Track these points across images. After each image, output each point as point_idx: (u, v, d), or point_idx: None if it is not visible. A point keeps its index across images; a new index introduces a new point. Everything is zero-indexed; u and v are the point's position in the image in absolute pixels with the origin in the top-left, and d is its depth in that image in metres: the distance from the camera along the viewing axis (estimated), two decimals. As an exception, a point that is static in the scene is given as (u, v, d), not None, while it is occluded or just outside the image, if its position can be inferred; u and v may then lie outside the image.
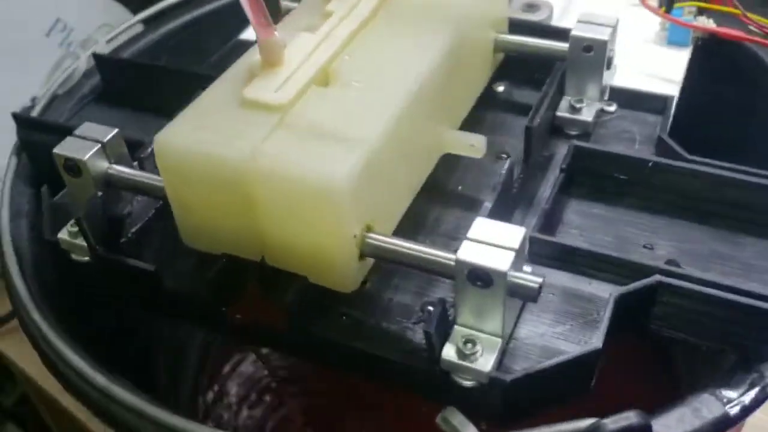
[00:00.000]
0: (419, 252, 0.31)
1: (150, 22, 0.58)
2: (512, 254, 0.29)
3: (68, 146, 0.36)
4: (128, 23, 0.57)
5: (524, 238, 0.30)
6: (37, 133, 0.46)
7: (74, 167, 0.36)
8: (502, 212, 0.36)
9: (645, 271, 0.33)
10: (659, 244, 0.38)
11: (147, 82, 0.49)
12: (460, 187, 0.40)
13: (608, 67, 0.41)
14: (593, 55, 0.40)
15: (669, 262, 0.37)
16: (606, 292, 0.33)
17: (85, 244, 0.37)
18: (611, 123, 0.43)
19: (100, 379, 0.33)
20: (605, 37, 0.40)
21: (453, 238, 0.37)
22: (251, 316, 0.35)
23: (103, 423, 0.34)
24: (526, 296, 0.30)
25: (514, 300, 0.31)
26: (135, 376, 0.34)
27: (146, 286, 0.36)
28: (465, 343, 0.30)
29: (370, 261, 0.33)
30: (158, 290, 0.36)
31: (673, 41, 0.48)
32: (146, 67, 0.50)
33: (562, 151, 0.41)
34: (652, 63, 0.47)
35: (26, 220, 0.43)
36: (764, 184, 0.37)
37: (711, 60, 0.48)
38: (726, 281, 0.33)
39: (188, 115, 0.33)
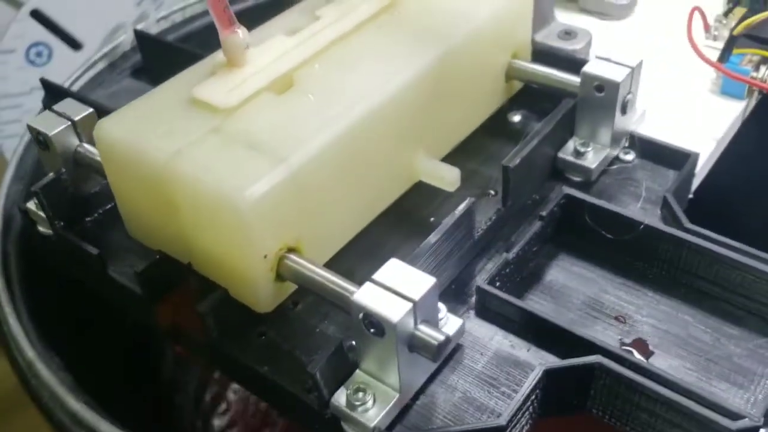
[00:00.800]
0: (328, 282, 0.29)
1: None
2: (409, 306, 0.26)
3: (42, 120, 0.37)
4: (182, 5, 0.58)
5: (430, 290, 0.27)
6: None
7: (43, 141, 0.36)
8: (458, 254, 0.34)
9: (592, 348, 0.29)
10: (634, 318, 0.33)
11: (177, 64, 0.49)
12: (432, 219, 0.37)
13: (624, 112, 0.37)
14: (605, 96, 0.36)
15: (637, 342, 0.33)
16: (540, 362, 0.30)
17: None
18: (622, 173, 0.38)
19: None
20: (618, 79, 0.36)
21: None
22: (177, 318, 0.34)
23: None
24: (426, 353, 0.27)
25: (426, 353, 0.28)
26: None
27: (93, 270, 0.36)
28: (356, 391, 0.28)
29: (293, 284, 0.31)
30: (103, 275, 0.36)
31: (727, 92, 0.43)
32: (177, 49, 0.50)
33: (557, 196, 0.37)
34: (698, 112, 0.42)
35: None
36: (764, 270, 0.32)
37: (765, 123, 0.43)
38: (684, 379, 0.29)
39: (136, 106, 0.32)
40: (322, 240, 0.32)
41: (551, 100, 0.41)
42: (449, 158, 0.39)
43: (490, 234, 0.35)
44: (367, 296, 0.26)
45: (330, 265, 0.33)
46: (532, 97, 0.42)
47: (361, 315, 0.26)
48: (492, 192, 0.38)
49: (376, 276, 0.27)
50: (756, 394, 0.30)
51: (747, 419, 0.27)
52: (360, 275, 0.28)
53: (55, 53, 0.77)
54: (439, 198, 0.37)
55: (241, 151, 0.29)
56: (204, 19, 0.58)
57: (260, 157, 0.29)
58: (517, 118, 0.42)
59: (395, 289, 0.26)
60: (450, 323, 0.30)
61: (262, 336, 0.32)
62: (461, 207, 0.32)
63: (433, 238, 0.32)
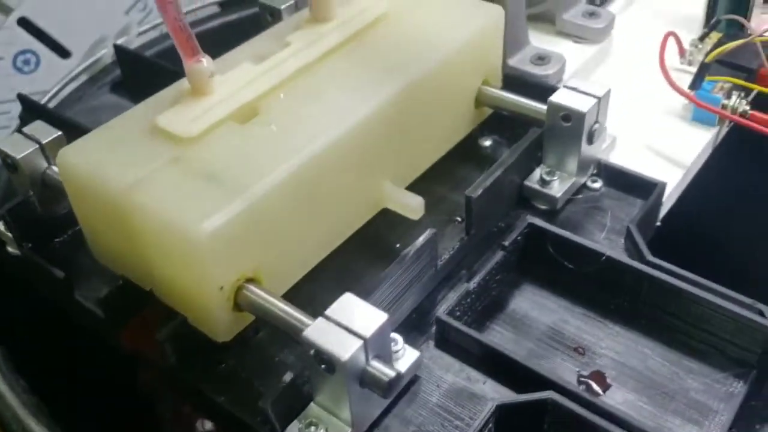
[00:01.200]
0: (283, 314, 0.29)
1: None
2: (359, 343, 0.26)
3: (10, 142, 0.37)
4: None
5: (382, 327, 0.27)
6: (36, 117, 0.47)
7: (11, 164, 0.36)
8: (419, 284, 0.34)
9: (547, 383, 0.30)
10: (594, 349, 0.34)
11: (156, 79, 0.49)
12: (398, 245, 0.37)
13: (591, 142, 0.37)
14: (571, 126, 0.36)
15: (594, 374, 0.33)
16: (493, 397, 0.30)
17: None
18: (588, 202, 0.39)
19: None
20: (584, 109, 0.36)
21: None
22: (138, 344, 0.34)
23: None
24: (377, 389, 0.27)
25: (380, 387, 0.28)
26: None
27: (59, 292, 0.36)
28: (309, 425, 0.28)
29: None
30: (70, 298, 0.36)
31: (698, 119, 0.43)
32: (155, 65, 0.51)
33: (521, 225, 0.37)
34: (669, 140, 0.42)
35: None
36: (724, 306, 0.32)
37: (740, 146, 0.43)
38: (637, 417, 0.29)
39: (99, 134, 0.33)
40: (283, 269, 0.32)
41: (523, 125, 0.41)
42: (418, 183, 0.39)
43: (453, 262, 0.36)
44: (317, 333, 0.27)
45: (294, 291, 0.34)
46: (503, 121, 0.42)
47: (312, 351, 0.27)
48: (458, 219, 0.38)
49: (329, 312, 0.27)
50: (710, 431, 0.30)
51: (695, 460, 0.27)
52: (323, 302, 0.28)
53: (43, 61, 0.78)
54: (406, 224, 0.37)
55: (200, 182, 0.30)
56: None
57: (218, 189, 0.29)
58: (487, 142, 0.42)
59: (347, 326, 0.27)
60: (406, 356, 0.30)
61: (222, 364, 0.32)
62: (421, 239, 0.33)
63: (392, 269, 0.32)
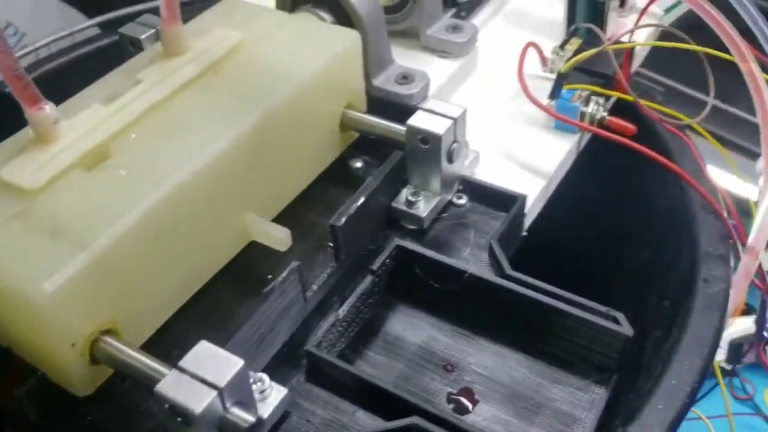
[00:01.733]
0: (141, 366, 0.29)
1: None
2: (213, 393, 0.26)
3: None
4: (48, 39, 0.56)
5: (238, 374, 0.27)
6: None
7: None
8: (288, 317, 0.34)
9: (413, 408, 0.30)
10: (462, 366, 0.34)
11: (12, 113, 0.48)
12: (269, 276, 0.37)
13: (451, 161, 0.38)
14: (430, 148, 0.37)
15: (463, 391, 0.34)
16: (358, 428, 0.30)
17: None
18: (454, 219, 0.39)
19: None
20: (440, 131, 0.36)
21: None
22: (3, 400, 0.33)
23: None
24: (238, 436, 0.27)
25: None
26: None
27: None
28: (171, 476, 0.28)
29: (111, 366, 0.31)
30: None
31: (559, 127, 0.45)
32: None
33: (389, 248, 0.37)
34: (533, 149, 0.44)
35: None
36: (581, 316, 0.33)
37: (603, 150, 0.44)
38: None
39: (-60, 188, 0.31)
40: (143, 316, 0.32)
41: (392, 145, 0.42)
42: (290, 210, 0.39)
43: (324, 290, 0.36)
44: (171, 386, 0.26)
45: (161, 334, 0.33)
46: (373, 142, 0.42)
47: (166, 405, 0.26)
48: (330, 245, 0.38)
49: (183, 362, 0.27)
50: (573, 439, 0.32)
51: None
52: (192, 344, 0.28)
53: None
54: (277, 254, 0.37)
55: (44, 237, 0.29)
56: (61, 59, 0.57)
57: (62, 244, 0.28)
58: (358, 164, 0.42)
59: (201, 376, 0.26)
60: (273, 395, 0.30)
61: (87, 417, 0.31)
62: (285, 273, 0.33)
63: (255, 308, 0.32)
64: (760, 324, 0.46)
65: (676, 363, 0.34)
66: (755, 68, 0.44)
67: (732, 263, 0.40)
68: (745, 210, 0.43)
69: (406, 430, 0.30)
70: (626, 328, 0.32)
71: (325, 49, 0.38)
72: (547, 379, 0.34)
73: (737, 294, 0.39)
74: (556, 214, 0.43)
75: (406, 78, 0.44)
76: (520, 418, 0.32)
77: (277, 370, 0.32)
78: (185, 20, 0.38)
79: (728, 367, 0.71)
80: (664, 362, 0.35)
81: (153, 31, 0.45)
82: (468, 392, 0.33)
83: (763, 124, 0.42)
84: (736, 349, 0.72)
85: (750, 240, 0.40)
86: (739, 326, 0.72)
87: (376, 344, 0.35)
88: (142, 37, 0.45)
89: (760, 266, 0.43)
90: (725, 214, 0.41)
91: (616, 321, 0.33)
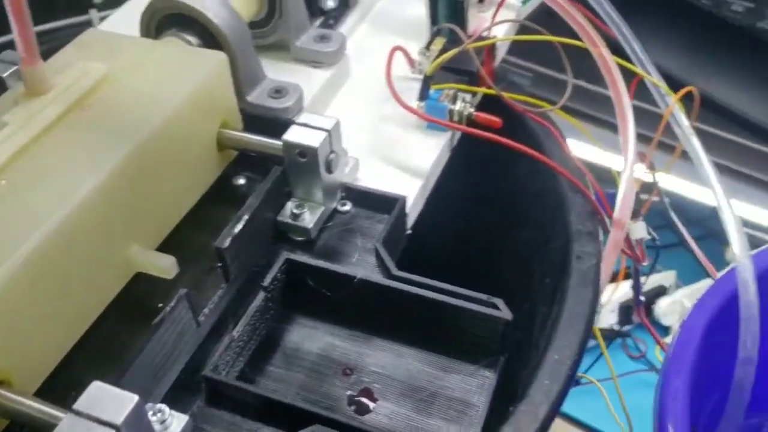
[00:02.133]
0: (37, 414, 0.29)
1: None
2: (110, 432, 0.26)
3: None
4: None
5: (134, 409, 0.27)
6: None
7: None
8: (183, 344, 0.34)
9: (313, 416, 0.31)
10: (361, 368, 0.36)
11: None
12: (161, 304, 0.37)
13: (330, 171, 0.39)
14: (308, 161, 0.38)
15: (363, 391, 0.35)
16: (263, 445, 0.31)
17: None
18: (340, 226, 0.41)
19: None
20: (316, 144, 0.37)
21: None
22: None
23: None
24: (142, 470, 0.27)
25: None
26: None
27: None
28: None
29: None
30: None
31: (431, 126, 0.46)
32: None
33: (279, 262, 0.38)
34: (409, 150, 0.45)
35: None
36: (465, 306, 0.35)
37: (475, 144, 0.46)
38: (400, 428, 0.31)
39: None
40: (34, 362, 0.31)
41: (273, 160, 0.43)
42: (176, 233, 0.39)
43: (217, 312, 0.36)
44: (68, 431, 0.26)
45: (56, 375, 0.33)
46: (255, 158, 0.43)
47: (65, 450, 0.26)
48: (219, 266, 0.39)
49: (77, 405, 0.27)
50: (471, 424, 0.33)
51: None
52: (89, 381, 0.28)
53: None
54: (165, 282, 0.37)
55: None
56: None
57: (-63, 303, 0.28)
58: (241, 181, 0.43)
59: (97, 417, 0.27)
60: (175, 424, 0.31)
61: (-13, 472, 0.31)
62: (173, 302, 0.33)
63: (144, 342, 0.32)
64: (635, 289, 0.50)
65: (557, 339, 0.37)
66: (605, 52, 0.47)
67: (601, 238, 0.43)
68: (609, 180, 0.46)
69: (309, 440, 0.31)
70: (505, 313, 0.34)
71: (193, 73, 0.39)
72: (441, 370, 0.36)
73: (608, 265, 0.42)
74: (438, 209, 0.45)
75: (279, 92, 0.44)
76: (418, 411, 0.34)
77: (177, 398, 0.33)
78: (48, 51, 0.37)
79: (621, 329, 0.76)
80: (547, 338, 0.37)
81: (15, 68, 0.44)
82: (368, 392, 0.35)
83: (616, 102, 0.46)
84: (626, 311, 0.77)
85: (615, 213, 0.43)
86: (626, 289, 0.77)
87: (275, 358, 0.36)
88: (5, 75, 0.43)
89: (628, 235, 0.46)
90: (591, 193, 0.44)
91: (496, 307, 0.35)
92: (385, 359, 0.36)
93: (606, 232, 0.44)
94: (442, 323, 0.36)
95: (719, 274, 0.46)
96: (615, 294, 0.76)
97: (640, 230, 0.47)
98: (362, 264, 0.38)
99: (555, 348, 0.36)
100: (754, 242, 0.50)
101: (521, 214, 0.49)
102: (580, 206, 0.44)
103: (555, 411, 0.34)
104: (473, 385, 0.35)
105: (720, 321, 0.45)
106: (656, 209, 0.51)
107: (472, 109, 0.45)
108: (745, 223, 0.71)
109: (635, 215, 0.47)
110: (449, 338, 0.36)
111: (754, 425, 0.54)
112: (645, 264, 0.47)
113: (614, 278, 0.72)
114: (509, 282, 0.47)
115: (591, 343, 0.68)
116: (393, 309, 0.36)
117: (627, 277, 0.69)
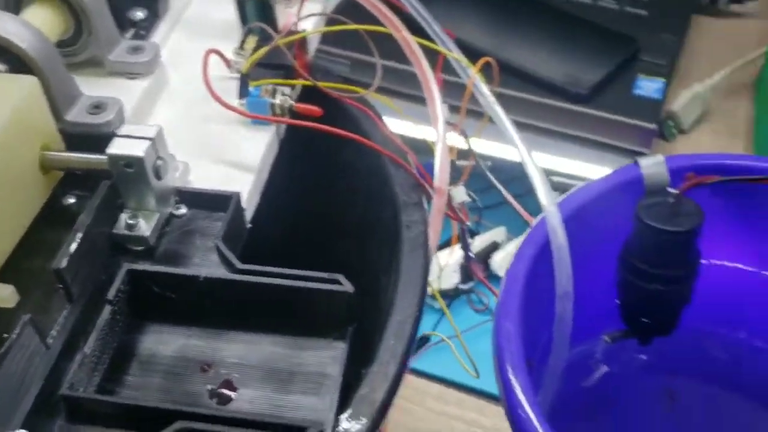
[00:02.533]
0: None
1: None
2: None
3: None
4: None
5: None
6: None
7: None
8: (33, 370, 0.34)
9: (175, 414, 0.32)
10: (219, 362, 0.37)
11: None
12: (5, 335, 0.36)
13: (160, 177, 0.40)
14: (135, 171, 0.39)
15: (223, 383, 0.37)
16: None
17: None
18: (179, 230, 0.42)
19: None
20: (141, 154, 0.38)
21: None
22: None
23: None
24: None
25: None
26: None
27: None
28: None
29: None
30: None
31: (256, 121, 0.48)
32: None
33: (120, 274, 0.39)
34: (237, 148, 0.47)
35: None
36: (310, 287, 0.37)
37: (299, 135, 0.49)
38: (261, 410, 0.33)
39: None
40: None
41: (101, 175, 0.43)
42: (12, 262, 0.39)
43: (65, 334, 0.36)
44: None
45: None
46: (83, 174, 0.43)
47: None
48: (61, 287, 0.39)
49: (-70, 444, 0.27)
50: (328, 392, 0.36)
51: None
52: None
53: None
54: (7, 311, 0.37)
55: None
56: None
57: None
58: (72, 200, 0.43)
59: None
60: (38, 447, 0.31)
61: None
62: (17, 330, 0.33)
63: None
64: (464, 248, 0.54)
65: (397, 302, 0.40)
66: (407, 35, 0.51)
67: (426, 206, 0.47)
68: (429, 151, 0.50)
69: (175, 436, 0.32)
70: (347, 286, 0.37)
71: (4, 100, 0.38)
72: (296, 349, 0.38)
73: (435, 230, 0.45)
74: (275, 200, 0.47)
75: (98, 107, 0.44)
76: (278, 391, 0.36)
77: (36, 423, 0.33)
78: None
79: (465, 287, 0.81)
80: (389, 303, 0.40)
81: None
82: (228, 383, 0.36)
83: (422, 81, 0.50)
84: (466, 270, 0.82)
85: (435, 182, 0.47)
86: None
87: (131, 368, 0.37)
88: None
89: (450, 200, 0.50)
90: (412, 167, 0.47)
91: (338, 282, 0.37)
92: (241, 350, 0.38)
93: (430, 200, 0.47)
94: (291, 306, 0.38)
95: (533, 223, 0.52)
96: (453, 257, 0.81)
97: (460, 194, 0.51)
98: (205, 263, 0.40)
99: (397, 311, 0.39)
100: (564, 188, 0.56)
101: (353, 193, 0.52)
102: (404, 180, 0.47)
103: (403, 367, 0.38)
104: (327, 357, 0.37)
105: (538, 266, 0.50)
106: (478, 173, 0.56)
107: (292, 101, 0.48)
108: (553, 173, 0.79)
109: (455, 182, 0.52)
110: (300, 319, 0.38)
111: (585, 352, 0.61)
112: (468, 223, 0.52)
113: (450, 242, 0.77)
114: (350, 257, 0.50)
115: (437, 305, 0.73)
116: (242, 301, 0.38)
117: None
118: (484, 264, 0.84)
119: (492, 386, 0.77)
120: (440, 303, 0.63)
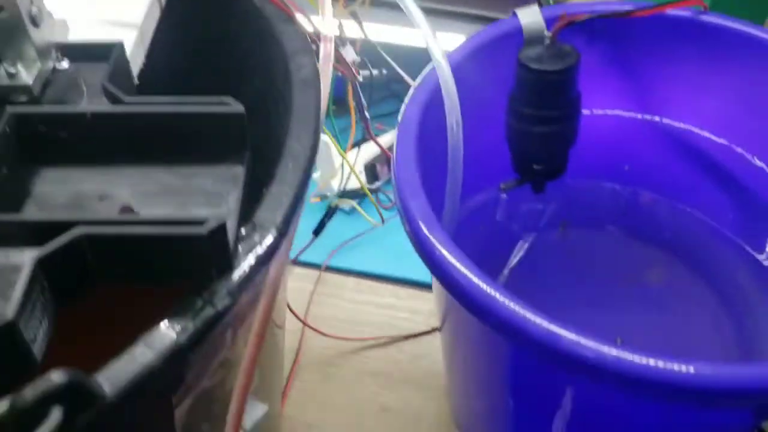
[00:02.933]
0: None
1: None
2: None
3: None
4: None
5: None
6: None
7: None
8: None
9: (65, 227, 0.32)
10: (114, 193, 0.37)
11: None
12: None
13: (37, 24, 0.39)
14: (10, 15, 0.38)
15: (124, 209, 0.37)
16: (28, 258, 0.32)
17: None
18: (63, 82, 0.41)
19: None
20: (14, -4, 0.37)
21: None
22: None
23: None
24: None
25: None
26: None
27: None
28: None
29: None
30: None
31: (135, -16, 0.48)
32: None
33: (4, 119, 0.38)
34: (115, 6, 0.46)
35: None
36: (199, 111, 0.37)
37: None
38: (157, 213, 0.33)
39: None
40: None
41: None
42: None
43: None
44: None
45: None
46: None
47: None
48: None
49: None
50: (229, 208, 0.36)
51: (212, 220, 0.32)
52: None
53: None
54: None
55: None
56: None
57: None
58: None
59: None
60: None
61: None
62: None
63: None
64: (358, 105, 0.55)
65: (293, 128, 0.41)
66: None
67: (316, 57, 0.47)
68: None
69: (77, 244, 0.32)
70: (237, 107, 0.38)
71: None
72: (194, 177, 0.38)
73: (325, 74, 0.46)
74: (163, 66, 0.46)
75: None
76: (179, 208, 0.36)
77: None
78: None
79: (372, 187, 0.83)
80: (285, 131, 0.41)
81: None
82: (128, 209, 0.36)
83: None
84: (372, 169, 0.84)
85: (322, 31, 0.48)
86: (368, 152, 0.84)
87: (29, 209, 0.36)
88: None
89: (342, 56, 0.51)
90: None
91: (227, 104, 0.38)
92: (138, 180, 0.37)
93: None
94: (183, 134, 0.38)
95: (424, 71, 0.53)
96: (358, 158, 0.82)
97: (350, 53, 0.53)
98: (94, 104, 0.39)
99: (293, 137, 0.40)
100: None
101: (246, 51, 0.52)
102: (294, 33, 0.48)
103: (302, 189, 0.39)
104: (226, 179, 0.38)
105: (431, 111, 0.52)
106: (378, 83, 0.59)
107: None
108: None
109: (345, 44, 0.53)
110: (193, 146, 0.38)
111: (490, 200, 0.63)
112: (360, 78, 0.53)
113: (355, 145, 0.78)
114: (249, 95, 0.49)
115: (347, 207, 0.75)
116: (134, 135, 0.38)
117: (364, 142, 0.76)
118: (387, 165, 0.85)
119: (406, 272, 0.79)
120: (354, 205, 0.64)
